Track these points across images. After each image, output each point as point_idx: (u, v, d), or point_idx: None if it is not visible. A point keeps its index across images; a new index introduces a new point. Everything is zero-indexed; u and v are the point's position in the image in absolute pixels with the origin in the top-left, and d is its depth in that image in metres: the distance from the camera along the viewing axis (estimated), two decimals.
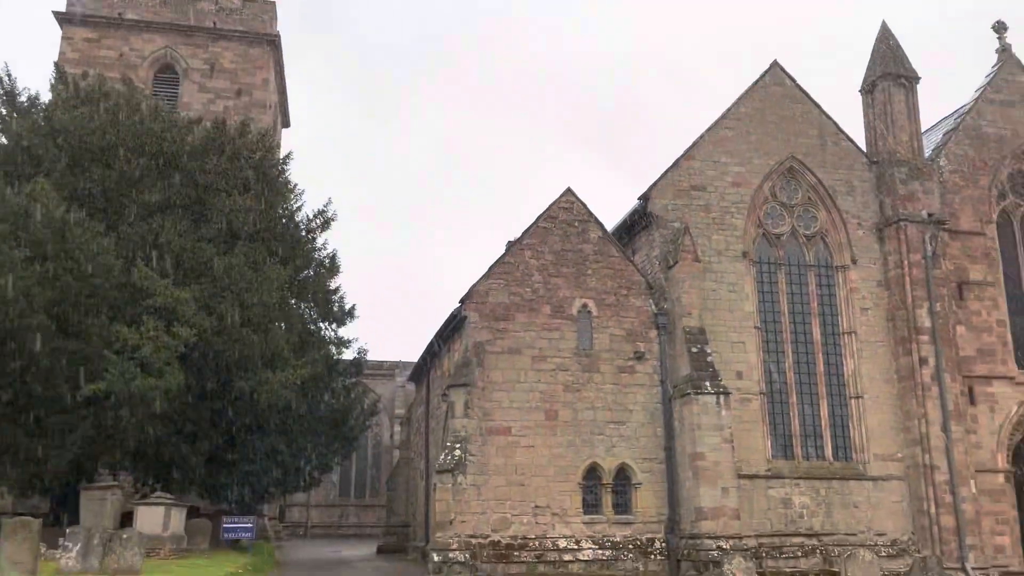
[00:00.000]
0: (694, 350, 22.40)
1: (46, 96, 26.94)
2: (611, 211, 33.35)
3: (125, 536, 16.50)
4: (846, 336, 24.88)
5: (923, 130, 27.33)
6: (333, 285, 28.11)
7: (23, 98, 25.85)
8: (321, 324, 28.19)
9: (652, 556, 21.73)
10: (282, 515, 43.22)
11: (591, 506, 21.95)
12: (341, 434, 28.93)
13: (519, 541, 21.19)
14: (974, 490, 23.54)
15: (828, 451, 24.08)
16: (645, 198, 24.52)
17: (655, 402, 22.78)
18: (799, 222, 25.63)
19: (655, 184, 24.55)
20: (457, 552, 20.56)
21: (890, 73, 26.44)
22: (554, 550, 21.26)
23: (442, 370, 27.69)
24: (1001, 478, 24.48)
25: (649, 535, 21.96)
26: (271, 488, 27.40)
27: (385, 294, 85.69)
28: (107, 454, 22.73)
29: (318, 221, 27.92)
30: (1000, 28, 28.88)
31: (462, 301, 22.85)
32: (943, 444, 23.38)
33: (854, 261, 25.32)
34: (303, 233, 27.69)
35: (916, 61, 27.09)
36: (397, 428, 46.41)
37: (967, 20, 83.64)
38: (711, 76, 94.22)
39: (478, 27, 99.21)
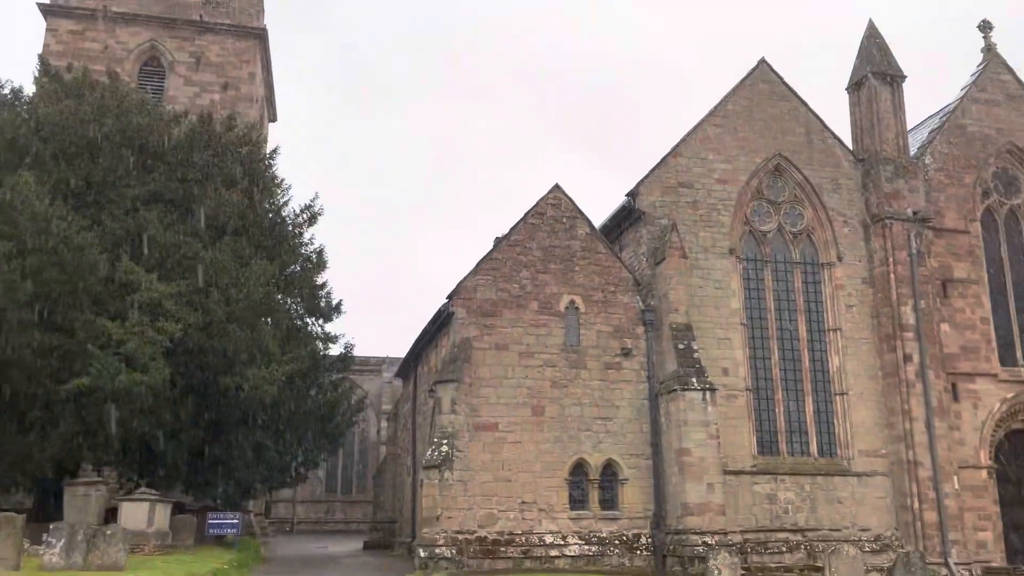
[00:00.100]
0: (681, 346, 22.47)
1: (30, 89, 26.74)
2: (601, 208, 33.47)
3: (109, 532, 16.41)
4: (831, 333, 25.02)
5: (909, 128, 27.49)
6: (320, 280, 28.07)
7: (6, 91, 25.66)
8: (308, 320, 28.12)
9: (638, 552, 21.81)
10: (268, 511, 43.10)
11: (578, 502, 21.99)
12: (328, 430, 28.86)
13: (506, 537, 21.21)
14: (957, 486, 23.75)
15: (813, 447, 24.22)
16: (633, 195, 24.56)
17: (642, 398, 22.84)
18: (785, 219, 25.74)
19: (643, 181, 24.59)
20: (444, 548, 20.57)
21: (876, 71, 26.58)
22: (540, 546, 21.29)
23: (429, 366, 27.67)
24: (984, 474, 24.70)
25: (635, 531, 22.03)
26: (257, 484, 27.33)
27: (373, 290, 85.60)
28: (91, 450, 22.59)
29: (305, 216, 27.84)
30: (985, 27, 29.08)
31: (450, 297, 22.83)
32: (927, 440, 23.57)
33: (840, 258, 25.46)
34: (290, 228, 27.61)
35: (902, 60, 27.24)
36: (384, 424, 46.35)
37: (953, 19, 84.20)
38: (702, 73, 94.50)
39: (469, 23, 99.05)
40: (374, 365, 50.60)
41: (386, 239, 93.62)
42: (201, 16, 36.78)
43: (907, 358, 24.19)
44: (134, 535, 19.24)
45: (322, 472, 47.24)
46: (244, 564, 22.03)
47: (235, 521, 24.05)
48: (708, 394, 21.86)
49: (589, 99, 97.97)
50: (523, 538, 21.27)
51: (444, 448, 21.34)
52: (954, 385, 25.05)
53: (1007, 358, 26.03)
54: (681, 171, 24.88)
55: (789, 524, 23.00)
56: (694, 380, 21.91)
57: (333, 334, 28.87)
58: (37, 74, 27.42)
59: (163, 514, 21.95)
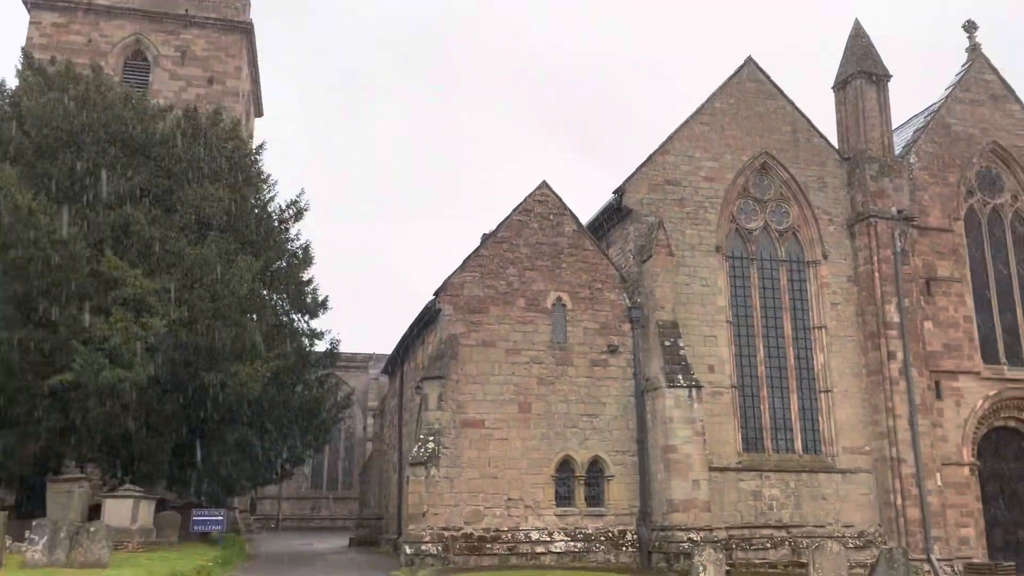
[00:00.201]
0: (667, 344, 22.54)
1: (13, 82, 26.46)
2: (589, 205, 33.49)
3: (92, 529, 16.31)
4: (816, 331, 25.16)
5: (894, 127, 27.66)
6: (306, 276, 27.95)
7: None
8: (293, 316, 28.00)
9: (624, 548, 21.87)
10: (253, 508, 42.91)
11: (564, 498, 22.03)
12: (313, 426, 28.76)
13: (492, 533, 21.22)
14: (940, 483, 23.95)
15: (798, 444, 24.36)
16: (620, 192, 24.59)
17: (628, 395, 22.90)
18: (771, 217, 25.85)
19: (630, 178, 24.63)
20: (430, 544, 20.56)
21: (862, 71, 26.71)
22: (526, 542, 21.32)
23: (416, 363, 27.62)
24: (966, 471, 24.91)
25: (621, 527, 22.10)
26: (242, 481, 27.18)
27: (360, 286, 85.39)
28: (74, 446, 22.42)
29: (291, 211, 27.73)
30: (970, 27, 29.27)
31: (436, 294, 22.80)
32: (910, 437, 23.75)
33: (825, 256, 25.59)
34: (275, 223, 27.48)
35: (889, 59, 27.41)
36: (370, 420, 46.28)
37: (939, 19, 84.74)
38: (693, 71, 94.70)
39: (459, 20, 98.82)
40: (360, 361, 50.48)
41: (373, 236, 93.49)
42: (187, 10, 36.50)
43: (891, 356, 24.36)
44: (118, 532, 19.13)
45: (308, 469, 47.08)
46: (229, 561, 21.93)
47: (220, 518, 23.94)
48: (694, 391, 21.95)
49: (579, 96, 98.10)
50: (509, 535, 21.28)
51: (430, 445, 21.32)
52: (937, 383, 25.26)
53: (989, 356, 26.25)
54: (668, 169, 24.94)
55: (774, 520, 23.13)
56: (680, 377, 21.98)
57: (319, 330, 28.77)
58: (20, 67, 27.12)
59: (147, 511, 21.81)
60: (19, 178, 20.85)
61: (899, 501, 23.46)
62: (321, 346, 29.42)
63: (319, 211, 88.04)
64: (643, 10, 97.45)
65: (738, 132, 25.75)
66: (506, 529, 21.34)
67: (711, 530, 21.18)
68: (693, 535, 20.62)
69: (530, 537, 21.39)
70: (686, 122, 25.53)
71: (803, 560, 20.37)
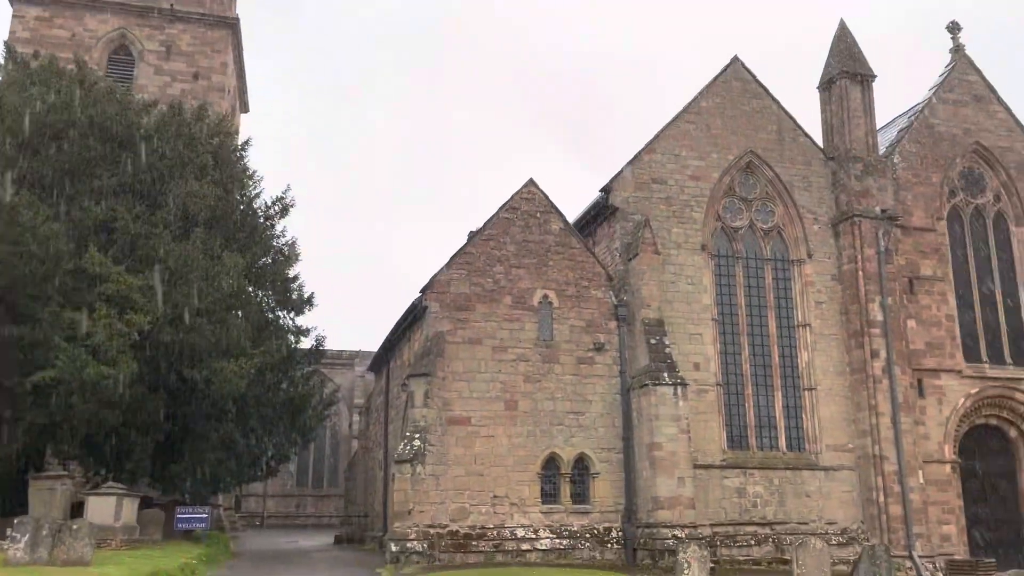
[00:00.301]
0: (653, 341, 22.62)
1: None
2: (579, 202, 33.45)
3: (75, 527, 16.18)
4: (801, 329, 25.31)
5: (879, 127, 27.84)
6: (292, 273, 27.84)
7: None
8: (279, 312, 27.89)
9: (609, 545, 21.95)
10: (238, 505, 42.73)
11: (549, 496, 22.08)
12: (299, 424, 28.66)
13: (477, 531, 21.24)
14: (922, 480, 24.16)
15: (782, 442, 24.51)
16: (607, 190, 24.65)
17: (614, 393, 22.96)
18: (757, 216, 25.98)
19: (616, 176, 24.69)
20: (415, 542, 20.56)
21: (847, 71, 26.87)
22: (512, 539, 21.35)
23: (402, 360, 27.59)
24: (948, 468, 25.13)
25: (606, 524, 22.17)
26: (227, 478, 27.06)
27: (346, 284, 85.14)
28: (57, 443, 22.26)
29: (277, 208, 27.62)
30: (954, 28, 29.49)
31: (423, 291, 22.78)
32: (892, 435, 23.95)
33: (810, 255, 25.74)
34: (261, 220, 27.36)
35: (874, 59, 27.59)
36: (356, 418, 46.20)
37: (923, 19, 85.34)
38: (682, 70, 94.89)
39: (450, 19, 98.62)
40: (346, 359, 50.37)
41: (360, 233, 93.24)
42: (172, 4, 36.24)
43: (874, 354, 24.54)
44: (101, 530, 19.00)
45: (293, 466, 46.92)
46: (213, 559, 21.85)
47: (204, 515, 23.84)
48: (679, 389, 22.04)
49: (570, 95, 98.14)
50: (495, 532, 21.31)
51: (416, 442, 21.30)
52: (920, 381, 25.46)
53: (971, 354, 26.49)
54: (655, 167, 25.01)
55: (758, 517, 23.27)
56: (666, 375, 22.07)
57: (305, 327, 28.72)
58: (2, 61, 26.87)
59: (130, 508, 21.67)
60: (2, 173, 20.64)
61: (882, 498, 23.65)
62: (307, 343, 29.36)
63: (307, 207, 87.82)
64: (634, 9, 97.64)
65: (724, 131, 25.85)
66: (492, 526, 21.36)
67: (696, 527, 21.28)
68: (678, 532, 20.71)
69: (516, 534, 21.42)
70: (672, 121, 25.61)
71: (787, 557, 20.53)
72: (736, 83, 26.43)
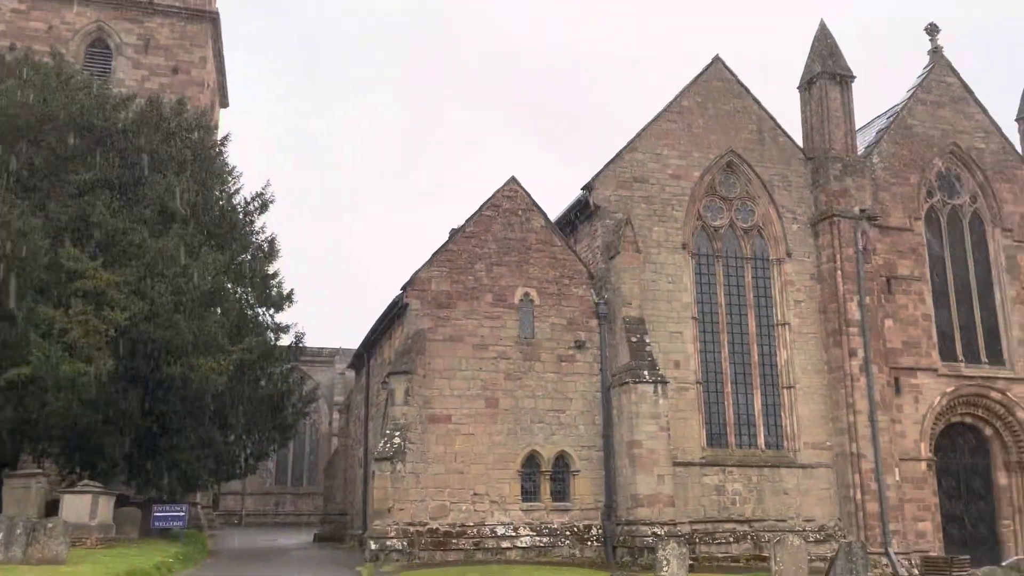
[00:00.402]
0: (633, 339, 22.69)
1: None
2: (559, 201, 33.54)
3: (50, 525, 16.02)
4: (780, 328, 25.49)
5: (858, 127, 28.08)
6: (271, 270, 27.65)
7: None
8: (258, 309, 27.69)
9: (588, 542, 22.00)
10: (216, 503, 42.42)
11: (529, 493, 22.10)
12: (278, 421, 28.48)
13: (457, 528, 21.22)
14: (898, 478, 24.41)
15: (761, 439, 24.68)
16: (588, 189, 24.69)
17: (595, 391, 23.01)
18: (737, 215, 26.12)
19: (598, 175, 24.73)
20: (395, 540, 20.51)
21: (827, 71, 27.07)
22: (492, 537, 21.35)
23: (383, 357, 27.50)
24: (923, 466, 25.41)
25: (586, 522, 22.22)
26: (204, 476, 26.84)
27: (327, 281, 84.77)
28: (32, 441, 21.98)
29: (256, 204, 27.45)
30: (932, 30, 29.77)
31: (404, 288, 22.72)
32: (870, 433, 24.17)
33: (789, 254, 25.92)
34: (240, 216, 27.16)
35: (853, 60, 27.81)
36: (336, 416, 45.94)
37: (903, 21, 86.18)
38: (668, 69, 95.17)
39: (431, 15, 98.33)
40: (327, 356, 50.08)
41: (340, 230, 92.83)
42: None
43: (852, 353, 24.76)
44: (76, 528, 18.82)
45: (272, 464, 46.63)
46: (190, 558, 21.68)
47: (181, 514, 23.63)
48: (659, 387, 22.12)
49: (553, 92, 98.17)
50: (475, 530, 21.31)
51: (396, 440, 21.25)
52: (897, 379, 25.71)
53: (947, 353, 26.79)
54: (636, 166, 25.08)
55: (736, 515, 23.42)
56: (646, 373, 22.14)
57: (284, 324, 28.53)
58: None
59: (106, 507, 21.46)
60: None
61: (858, 496, 23.88)
62: (286, 340, 29.18)
63: (287, 204, 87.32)
64: (616, 7, 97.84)
65: (705, 130, 25.97)
66: (472, 524, 21.35)
67: (675, 524, 21.39)
68: (657, 529, 20.80)
69: (496, 532, 21.43)
70: (654, 119, 25.70)
71: (765, 554, 20.65)
72: (717, 83, 26.54)
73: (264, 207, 27.47)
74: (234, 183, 27.46)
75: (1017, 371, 27.03)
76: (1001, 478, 26.73)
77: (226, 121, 43.70)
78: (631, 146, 25.21)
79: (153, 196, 23.76)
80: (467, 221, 23.58)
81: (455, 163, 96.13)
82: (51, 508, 21.15)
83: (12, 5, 34.17)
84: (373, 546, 20.54)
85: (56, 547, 15.61)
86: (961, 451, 26.87)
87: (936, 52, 29.50)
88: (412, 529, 20.83)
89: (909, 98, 28.64)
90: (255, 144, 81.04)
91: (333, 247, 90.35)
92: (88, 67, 33.17)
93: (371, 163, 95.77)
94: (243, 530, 41.26)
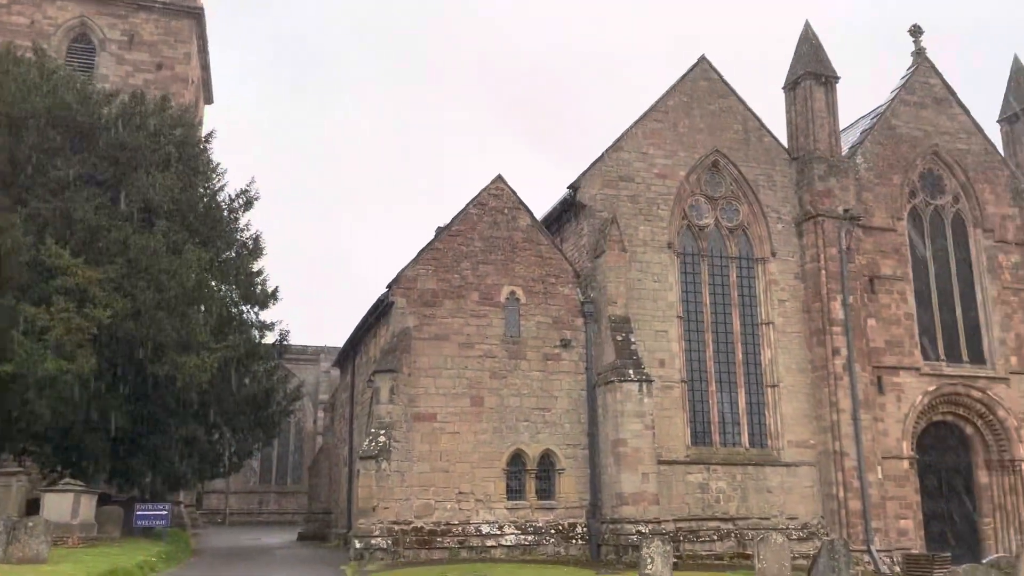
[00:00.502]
0: (619, 338, 22.74)
1: None
2: (546, 199, 33.58)
3: (31, 524, 15.88)
4: (764, 327, 25.62)
5: (842, 128, 28.26)
6: (256, 267, 27.53)
7: None
8: (243, 307, 27.56)
9: (573, 541, 22.04)
10: (199, 502, 42.18)
11: (515, 492, 22.12)
12: (262, 419, 28.38)
13: (442, 527, 21.21)
14: (880, 476, 24.59)
15: (744, 438, 24.80)
16: (574, 187, 24.71)
17: (580, 389, 23.05)
18: (722, 215, 26.22)
19: (584, 174, 24.76)
20: (379, 539, 20.47)
21: (812, 72, 27.21)
22: (477, 536, 21.35)
23: (368, 356, 27.43)
24: (906, 464, 25.61)
25: (571, 520, 22.25)
26: (188, 475, 26.71)
27: (313, 279, 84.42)
28: (12, 439, 21.78)
29: (241, 201, 27.32)
30: (916, 32, 29.98)
31: (390, 286, 22.67)
32: (853, 431, 24.34)
33: (773, 254, 26.05)
34: (225, 213, 27.01)
35: (837, 61, 27.95)
36: (321, 414, 45.81)
37: (888, 22, 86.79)
38: (655, 69, 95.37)
39: (420, 13, 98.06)
40: (311, 354, 49.90)
41: (326, 228, 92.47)
42: None
43: (835, 352, 24.92)
44: (57, 527, 18.67)
45: (256, 463, 46.40)
46: (173, 557, 21.55)
47: (164, 513, 23.50)
48: (644, 385, 22.18)
49: (536, 90, 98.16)
50: (460, 528, 21.30)
51: (381, 438, 21.21)
52: (879, 378, 25.89)
53: (929, 352, 27.00)
54: (622, 165, 25.13)
55: (720, 513, 23.52)
56: (631, 372, 22.20)
57: (269, 322, 28.43)
58: None
59: (88, 505, 21.32)
60: None
61: (841, 494, 24.04)
62: (271, 338, 29.08)
63: (272, 201, 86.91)
64: (603, 6, 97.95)
65: (691, 130, 26.05)
66: (457, 523, 21.35)
67: (659, 522, 21.47)
68: (642, 527, 20.86)
69: (481, 530, 21.43)
70: (640, 119, 25.75)
71: (748, 552, 20.78)
72: (703, 82, 26.63)
73: (249, 204, 27.35)
74: (218, 180, 27.34)
75: (998, 370, 27.29)
76: (982, 476, 26.98)
77: (213, 118, 43.57)
78: (617, 145, 25.26)
79: (136, 193, 23.58)
80: (453, 219, 23.55)
81: (441, 160, 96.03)
82: (32, 507, 21.00)
83: None
84: (358, 545, 20.49)
85: (37, 546, 15.48)
86: (943, 450, 27.09)
87: (919, 54, 29.71)
88: (397, 528, 20.80)
89: (893, 99, 28.84)
90: (243, 141, 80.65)
91: (321, 245, 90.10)
92: (71, 63, 32.88)
93: (362, 161, 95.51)
94: (227, 529, 41.06)
